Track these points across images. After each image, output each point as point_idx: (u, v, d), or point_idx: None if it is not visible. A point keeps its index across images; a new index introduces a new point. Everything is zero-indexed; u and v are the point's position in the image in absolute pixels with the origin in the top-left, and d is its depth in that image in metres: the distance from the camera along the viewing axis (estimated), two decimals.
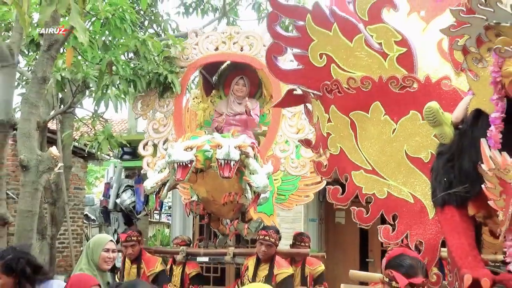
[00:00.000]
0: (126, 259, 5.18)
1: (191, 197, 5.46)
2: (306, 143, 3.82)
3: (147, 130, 5.62)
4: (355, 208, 3.32)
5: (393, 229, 3.22)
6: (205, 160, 4.47)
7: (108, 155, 10.24)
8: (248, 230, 5.22)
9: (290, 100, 3.61)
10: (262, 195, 4.78)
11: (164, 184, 4.72)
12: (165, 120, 5.58)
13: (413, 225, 3.18)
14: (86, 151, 8.85)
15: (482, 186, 2.47)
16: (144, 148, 5.51)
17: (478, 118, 2.68)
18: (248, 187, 4.59)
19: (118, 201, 8.74)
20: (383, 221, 3.31)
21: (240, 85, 5.71)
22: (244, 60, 5.62)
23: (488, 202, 2.49)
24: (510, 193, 2.31)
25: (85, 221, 11.12)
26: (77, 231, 9.79)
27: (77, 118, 7.14)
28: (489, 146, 2.46)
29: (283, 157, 5.43)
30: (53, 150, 4.64)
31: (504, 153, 2.36)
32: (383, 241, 3.26)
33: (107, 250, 3.67)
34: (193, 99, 6.00)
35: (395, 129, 3.22)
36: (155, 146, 5.58)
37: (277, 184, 5.76)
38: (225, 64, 6.06)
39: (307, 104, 3.58)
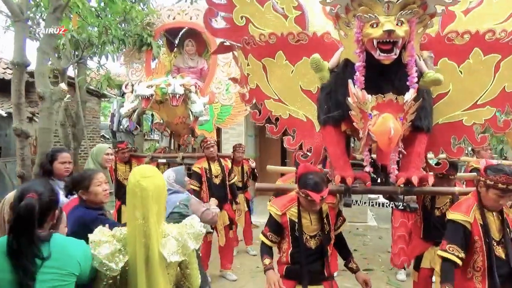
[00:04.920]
0: (119, 163, 4.88)
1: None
2: (234, 80, 3.49)
3: (127, 74, 5.16)
4: (268, 125, 3.03)
5: (293, 139, 2.96)
6: (162, 95, 4.35)
7: (113, 94, 9.69)
8: (195, 141, 5.18)
9: (222, 49, 3.22)
10: (203, 118, 4.77)
11: (134, 111, 4.59)
12: (140, 67, 5.11)
13: (306, 136, 2.94)
14: (101, 92, 8.60)
15: (350, 112, 2.28)
16: (125, 87, 5.11)
17: (347, 65, 2.42)
18: (190, 112, 4.55)
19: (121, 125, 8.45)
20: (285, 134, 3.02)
21: (190, 46, 5.27)
22: (193, 26, 5.13)
23: (353, 123, 2.32)
24: (366, 120, 2.17)
25: (102, 139, 10.71)
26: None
27: (88, 67, 6.49)
28: (354, 86, 2.24)
29: (217, 92, 5.16)
30: (62, 85, 4.20)
31: (363, 91, 2.18)
32: (286, 147, 2.99)
33: (107, 154, 3.56)
34: (162, 54, 5.45)
35: (293, 70, 2.90)
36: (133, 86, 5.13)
37: (216, 111, 5.63)
38: (183, 31, 5.50)
39: (234, 52, 3.16)
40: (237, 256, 5.45)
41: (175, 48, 5.55)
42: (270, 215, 2.51)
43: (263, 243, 2.51)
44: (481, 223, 2.26)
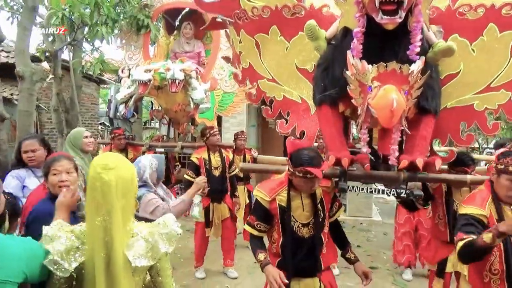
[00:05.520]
0: (114, 150, 4.74)
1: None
2: (226, 59, 3.22)
3: (124, 58, 4.89)
4: (263, 106, 2.79)
5: (287, 122, 2.73)
6: (161, 80, 4.03)
7: (113, 80, 9.51)
8: (195, 130, 4.98)
9: (213, 25, 3.02)
10: (204, 106, 4.43)
11: (131, 97, 4.29)
12: (137, 51, 4.85)
13: (299, 119, 2.70)
14: (94, 76, 7.79)
15: (348, 88, 2.02)
16: (122, 71, 4.78)
17: (346, 35, 2.16)
18: (190, 99, 4.23)
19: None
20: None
21: (187, 29, 4.97)
22: (194, 7, 4.68)
23: (351, 101, 2.05)
24: (366, 93, 1.91)
25: (102, 127, 10.57)
26: (95, 133, 9.09)
27: (83, 50, 6.26)
28: (353, 56, 1.98)
29: (219, 78, 4.87)
30: (44, 64, 3.96)
31: (363, 61, 1.92)
32: (279, 131, 2.74)
33: (86, 137, 3.30)
34: (161, 37, 5.20)
35: (287, 47, 2.66)
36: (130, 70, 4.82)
37: (218, 99, 5.34)
38: (183, 12, 5.25)
39: (226, 30, 2.94)
40: (235, 251, 5.24)
41: (175, 31, 5.32)
42: (257, 201, 2.25)
43: (252, 235, 2.27)
44: (497, 218, 2.02)
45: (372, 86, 1.85)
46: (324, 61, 2.34)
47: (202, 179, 2.87)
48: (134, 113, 6.86)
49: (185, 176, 4.44)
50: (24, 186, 2.58)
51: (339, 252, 2.43)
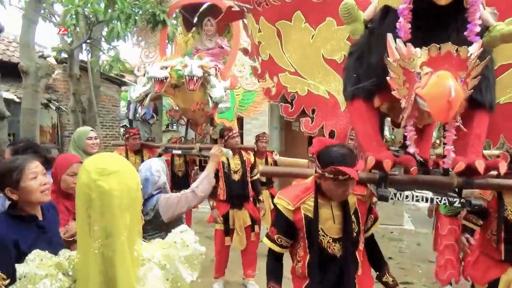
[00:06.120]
0: (129, 153, 4.48)
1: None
2: (244, 51, 2.92)
3: (140, 56, 4.62)
4: (282, 104, 2.50)
5: (312, 121, 2.42)
6: (178, 77, 3.75)
7: (134, 82, 9.41)
8: (214, 131, 4.70)
9: (229, 15, 2.70)
10: (223, 105, 4.11)
11: (146, 95, 4.02)
12: (153, 48, 4.58)
13: (327, 117, 2.39)
14: (109, 74, 7.74)
15: (387, 78, 1.68)
16: (138, 70, 4.53)
17: (386, 15, 1.84)
18: (209, 98, 3.92)
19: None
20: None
21: (208, 25, 4.70)
22: (213, 1, 4.57)
23: (392, 93, 1.70)
24: (413, 82, 1.56)
25: (123, 129, 10.51)
26: (115, 135, 8.99)
27: (101, 49, 6.06)
28: (396, 39, 1.65)
29: (239, 76, 4.56)
30: (50, 59, 3.79)
31: (409, 44, 1.60)
32: (304, 131, 2.43)
33: (90, 138, 3.07)
34: (179, 34, 4.97)
35: (313, 35, 2.36)
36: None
37: (238, 98, 5.08)
38: (202, 8, 4.95)
39: (244, 20, 2.65)
40: (258, 259, 4.89)
41: (193, 28, 5.07)
42: (278, 210, 1.91)
43: (270, 253, 1.94)
44: None
45: (421, 73, 1.50)
46: (357, 49, 2.02)
47: (216, 149, 2.75)
48: (154, 114, 6.67)
49: None
50: None
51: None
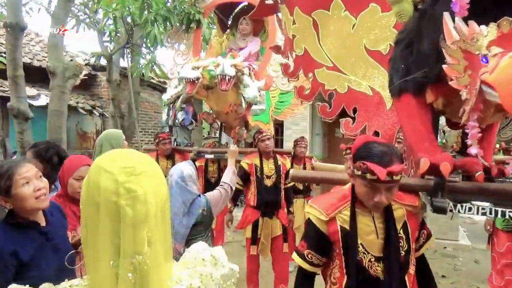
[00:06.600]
0: (160, 158, 4.36)
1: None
2: (276, 48, 2.67)
3: (174, 58, 4.51)
4: (319, 103, 2.25)
5: (353, 122, 2.15)
6: (210, 78, 3.58)
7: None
8: (248, 134, 4.40)
9: (263, 9, 2.54)
10: (258, 107, 3.91)
11: (178, 97, 3.91)
12: (187, 50, 4.47)
13: (371, 117, 2.11)
14: (145, 77, 7.35)
15: (443, 66, 1.38)
16: (171, 73, 4.49)
17: None
18: (242, 98, 3.74)
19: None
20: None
21: (244, 24, 4.54)
22: (249, 0, 4.42)
23: (449, 83, 1.39)
24: (477, 67, 1.26)
25: None
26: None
27: (142, 54, 6.07)
28: (453, 18, 1.36)
29: (275, 76, 4.30)
30: (78, 60, 3.74)
31: (471, 22, 1.30)
32: (344, 133, 2.17)
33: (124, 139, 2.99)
34: (214, 36, 4.85)
35: (355, 24, 2.10)
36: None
37: (274, 100, 4.80)
38: (237, 9, 4.85)
39: (278, 14, 2.44)
40: (293, 273, 4.59)
41: (228, 29, 4.93)
42: (309, 221, 1.59)
43: (300, 272, 1.65)
44: None
45: (488, 54, 1.20)
46: (406, 35, 1.73)
47: (232, 147, 3.10)
48: (193, 120, 6.57)
49: None
50: None
51: None
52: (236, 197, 3.85)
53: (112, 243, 0.80)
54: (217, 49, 4.75)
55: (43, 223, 1.50)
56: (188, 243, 2.20)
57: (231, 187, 2.57)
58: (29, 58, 6.83)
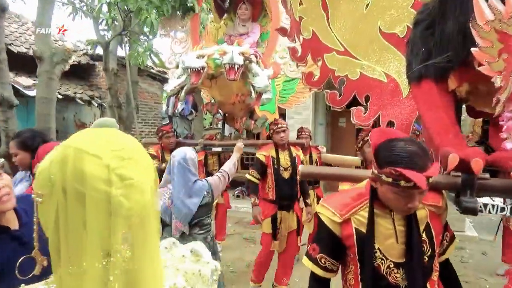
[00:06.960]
0: (165, 152, 4.20)
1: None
2: (282, 31, 2.49)
3: (171, 47, 4.33)
4: (328, 91, 2.09)
5: (366, 111, 1.99)
6: (215, 67, 3.38)
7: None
8: (255, 125, 4.21)
9: None
10: (265, 96, 3.70)
11: (182, 88, 3.66)
12: (185, 37, 4.28)
13: (385, 105, 1.94)
14: (142, 66, 7.17)
15: (473, 49, 1.23)
16: (169, 62, 4.28)
17: None
18: (251, 88, 3.53)
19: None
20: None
21: (243, 9, 4.36)
22: None
23: (478, 69, 1.27)
24: None
25: None
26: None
27: (140, 42, 5.84)
28: None
29: (282, 63, 4.12)
30: (67, 44, 3.53)
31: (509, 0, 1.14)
32: (355, 123, 2.01)
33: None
34: (210, 22, 4.65)
35: (368, 4, 1.92)
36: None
37: (278, 88, 4.60)
38: None
39: None
40: (297, 266, 4.45)
41: (225, 14, 4.72)
42: (321, 222, 1.43)
43: (312, 276, 1.49)
44: None
45: None
46: (427, 16, 1.58)
47: (239, 144, 3.14)
48: (192, 110, 6.39)
49: (247, 176, 3.73)
50: None
51: None
52: (256, 190, 3.68)
53: (101, 241, 0.64)
54: (214, 35, 4.57)
55: (15, 226, 1.29)
56: (194, 224, 2.42)
57: (228, 176, 2.70)
58: (25, 48, 6.66)
